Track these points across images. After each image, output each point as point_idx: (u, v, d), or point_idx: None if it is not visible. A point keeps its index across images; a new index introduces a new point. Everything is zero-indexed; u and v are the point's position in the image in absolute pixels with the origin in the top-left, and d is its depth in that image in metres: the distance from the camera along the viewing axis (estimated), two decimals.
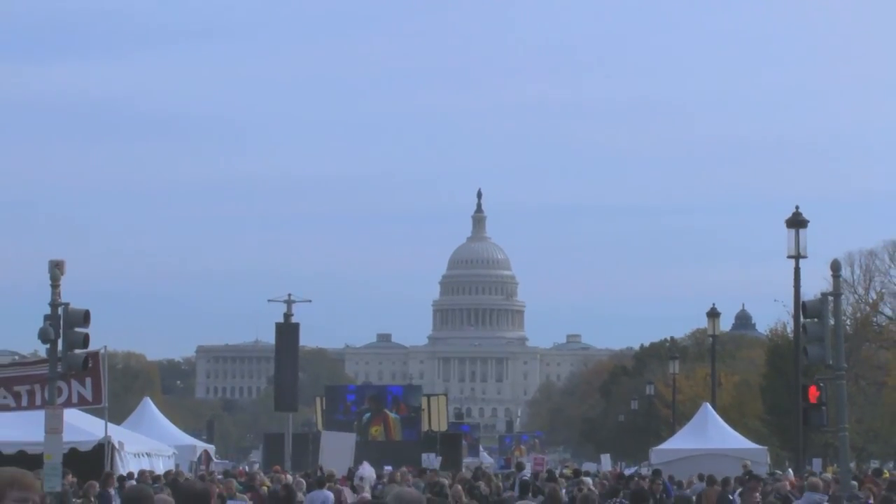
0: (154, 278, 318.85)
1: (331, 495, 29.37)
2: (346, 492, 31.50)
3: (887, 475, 40.85)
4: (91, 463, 31.22)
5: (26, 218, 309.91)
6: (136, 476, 31.09)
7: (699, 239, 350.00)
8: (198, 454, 46.05)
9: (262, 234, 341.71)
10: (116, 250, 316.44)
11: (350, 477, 37.21)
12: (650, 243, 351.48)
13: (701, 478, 34.26)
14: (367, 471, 38.59)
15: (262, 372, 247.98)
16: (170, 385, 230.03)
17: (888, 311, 71.45)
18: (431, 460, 49.86)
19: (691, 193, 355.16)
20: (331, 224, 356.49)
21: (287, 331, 54.49)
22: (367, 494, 31.04)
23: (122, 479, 30.13)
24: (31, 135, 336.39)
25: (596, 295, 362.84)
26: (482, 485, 31.32)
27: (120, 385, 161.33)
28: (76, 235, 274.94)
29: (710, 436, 51.07)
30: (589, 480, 32.25)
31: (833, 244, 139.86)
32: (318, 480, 31.25)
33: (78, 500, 25.71)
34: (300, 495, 30.94)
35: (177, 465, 39.38)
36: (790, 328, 53.89)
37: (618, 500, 21.86)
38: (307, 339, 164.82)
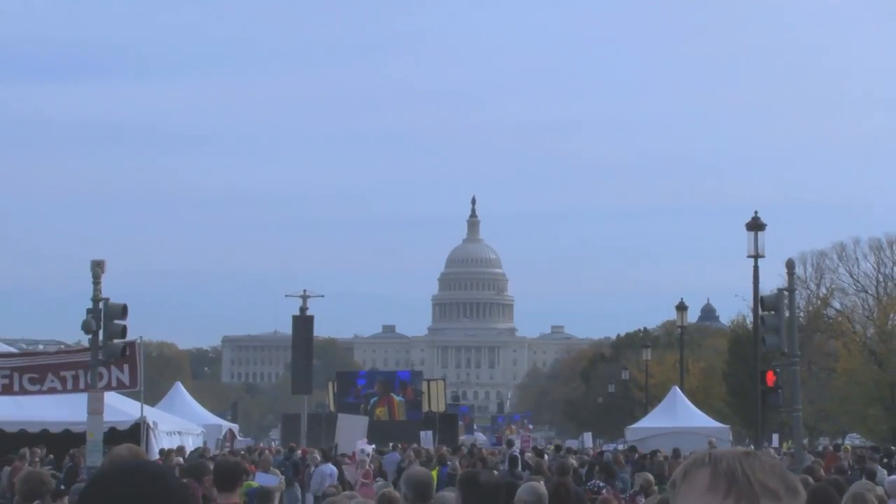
0: (185, 276, 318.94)
1: (335, 469, 29.49)
2: (350, 467, 31.58)
3: (848, 449, 40.88)
4: (129, 441, 31.24)
5: (72, 221, 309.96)
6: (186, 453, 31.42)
7: (669, 241, 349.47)
8: (223, 432, 46.08)
9: (281, 237, 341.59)
10: (153, 251, 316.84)
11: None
12: (626, 244, 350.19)
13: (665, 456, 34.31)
14: (366, 447, 38.80)
15: (280, 359, 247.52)
16: (198, 371, 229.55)
17: (837, 305, 71.54)
18: (428, 438, 49.83)
19: (662, 200, 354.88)
20: (341, 228, 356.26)
21: (302, 322, 54.50)
22: (368, 467, 31.15)
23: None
24: (81, 150, 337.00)
25: (578, 290, 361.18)
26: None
27: (154, 371, 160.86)
28: (117, 237, 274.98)
29: (678, 415, 51.07)
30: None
31: (788, 245, 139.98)
32: (324, 455, 31.34)
33: None
34: (312, 468, 31.03)
35: (204, 442, 39.43)
36: (750, 320, 53.90)
37: (594, 481, 21.14)
38: (320, 330, 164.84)
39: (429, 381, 75.27)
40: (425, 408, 65.99)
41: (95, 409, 26.07)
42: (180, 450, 31.70)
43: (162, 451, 30.71)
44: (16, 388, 28.30)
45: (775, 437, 53.89)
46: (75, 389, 27.95)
